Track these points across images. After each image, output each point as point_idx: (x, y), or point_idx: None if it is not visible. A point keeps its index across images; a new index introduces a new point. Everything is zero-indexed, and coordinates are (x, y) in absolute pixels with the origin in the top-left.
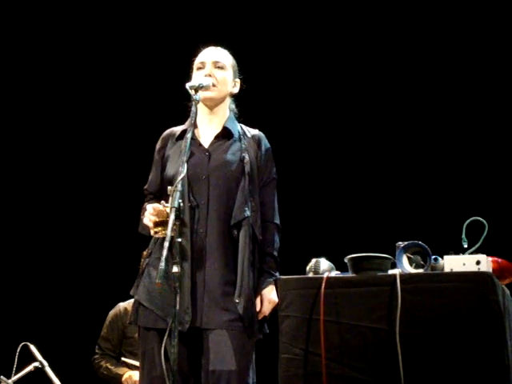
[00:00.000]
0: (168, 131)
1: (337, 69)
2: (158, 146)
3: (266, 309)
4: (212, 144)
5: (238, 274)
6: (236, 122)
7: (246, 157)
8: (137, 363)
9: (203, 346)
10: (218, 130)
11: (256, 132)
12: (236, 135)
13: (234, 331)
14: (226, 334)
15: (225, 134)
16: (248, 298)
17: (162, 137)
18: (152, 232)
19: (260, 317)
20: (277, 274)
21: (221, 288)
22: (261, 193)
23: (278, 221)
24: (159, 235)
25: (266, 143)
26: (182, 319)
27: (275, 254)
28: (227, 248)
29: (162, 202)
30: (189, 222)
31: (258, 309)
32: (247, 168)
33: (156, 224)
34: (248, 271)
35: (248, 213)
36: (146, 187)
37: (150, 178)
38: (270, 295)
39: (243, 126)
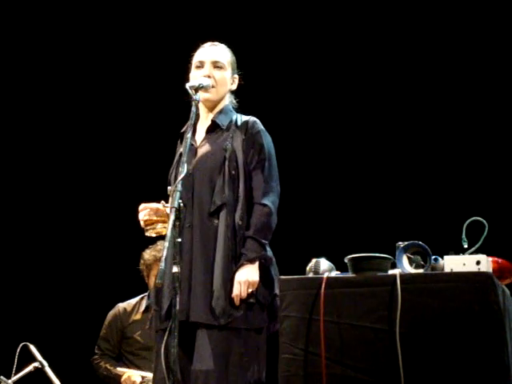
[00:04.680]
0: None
1: (338, 68)
2: (178, 142)
3: (237, 290)
4: (203, 140)
5: (216, 264)
6: (231, 112)
7: (229, 144)
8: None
9: (193, 344)
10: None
11: (247, 118)
12: (225, 126)
13: (215, 327)
14: (209, 330)
15: (214, 128)
16: (221, 287)
17: (180, 133)
18: (144, 231)
19: (236, 301)
20: (254, 253)
21: (203, 280)
22: (251, 177)
23: (267, 201)
24: (149, 234)
25: (255, 127)
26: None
27: (256, 235)
28: (208, 239)
29: (162, 201)
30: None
31: (232, 294)
32: (228, 155)
33: (146, 223)
34: (222, 260)
35: (225, 199)
36: None
37: None
38: (238, 276)
39: (239, 116)
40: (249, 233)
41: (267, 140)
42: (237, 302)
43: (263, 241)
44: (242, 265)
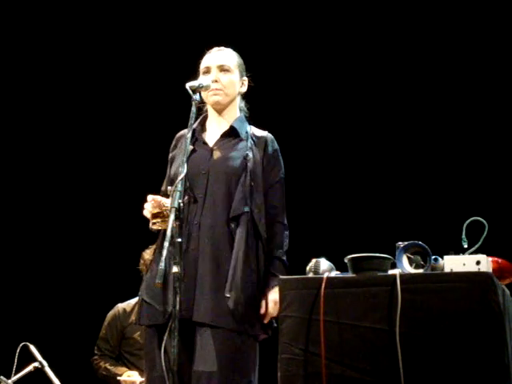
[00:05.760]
0: (181, 132)
1: (337, 70)
2: (171, 146)
3: (272, 310)
4: (217, 142)
5: (231, 268)
6: (246, 122)
7: (250, 155)
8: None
9: (194, 343)
10: (226, 129)
11: (264, 134)
12: (243, 135)
13: (220, 329)
14: (214, 331)
15: (231, 133)
16: (241, 292)
17: (175, 137)
18: (150, 224)
19: (266, 319)
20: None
21: (211, 280)
22: (269, 194)
23: (285, 221)
24: (157, 227)
25: (273, 145)
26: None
27: (283, 257)
28: (219, 240)
29: (163, 202)
30: (186, 215)
31: (262, 311)
32: (250, 165)
33: (154, 216)
34: (243, 265)
35: (247, 208)
36: (161, 188)
37: (165, 178)
38: (273, 297)
39: (253, 128)
40: (278, 253)
41: (282, 158)
42: (267, 320)
43: (287, 263)
44: (275, 285)
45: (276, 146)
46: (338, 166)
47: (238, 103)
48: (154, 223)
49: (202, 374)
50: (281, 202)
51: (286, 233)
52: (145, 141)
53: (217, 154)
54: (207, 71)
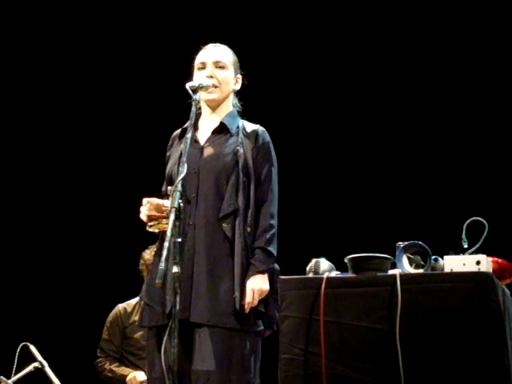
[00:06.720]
0: (177, 131)
1: (338, 68)
2: (168, 146)
3: (250, 298)
4: (208, 139)
5: (235, 270)
6: (237, 117)
7: (240, 150)
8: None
9: (192, 343)
10: (216, 125)
11: (255, 127)
12: (234, 130)
13: (217, 328)
14: (211, 331)
15: (221, 129)
16: (239, 292)
17: (171, 136)
18: (147, 226)
19: (246, 308)
20: (265, 265)
21: (206, 280)
22: (259, 186)
23: (274, 211)
24: (153, 229)
25: (264, 137)
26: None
27: (268, 247)
28: (213, 240)
29: (162, 202)
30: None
31: (243, 301)
32: (241, 161)
33: (150, 218)
34: (239, 266)
35: (237, 205)
36: (162, 188)
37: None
38: (251, 284)
39: (245, 122)
40: (260, 243)
41: (273, 150)
42: (247, 309)
43: (274, 252)
44: (253, 273)
45: (267, 138)
46: (338, 165)
47: (232, 100)
48: (150, 226)
49: (201, 373)
50: (270, 194)
51: (273, 222)
52: (144, 141)
53: (207, 152)
54: (202, 67)
